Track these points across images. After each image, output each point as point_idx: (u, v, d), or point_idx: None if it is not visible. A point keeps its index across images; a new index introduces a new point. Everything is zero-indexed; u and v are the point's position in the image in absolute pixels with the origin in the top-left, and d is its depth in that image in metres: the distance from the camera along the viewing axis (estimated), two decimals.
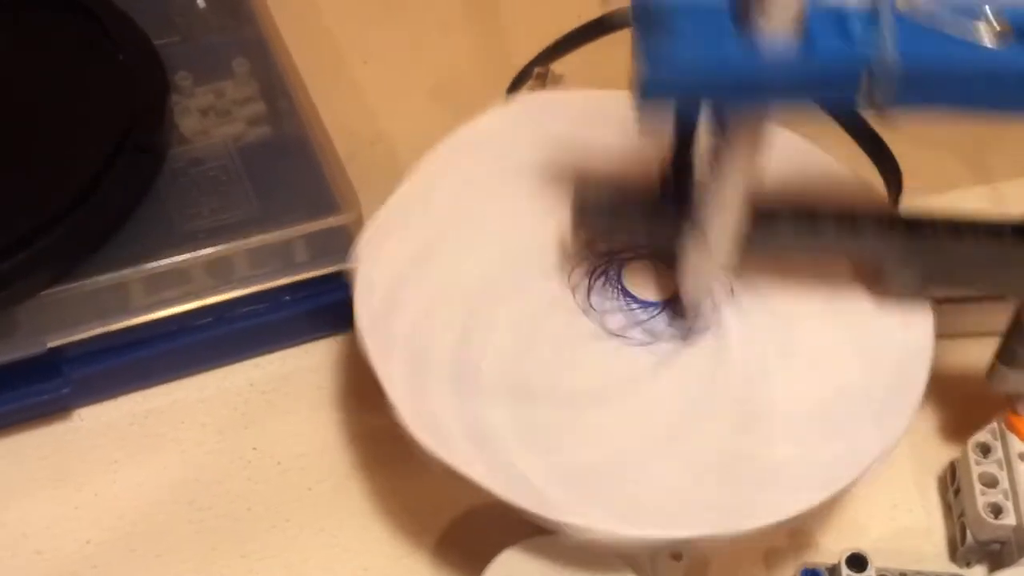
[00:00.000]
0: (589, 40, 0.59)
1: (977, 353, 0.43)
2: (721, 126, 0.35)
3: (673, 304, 0.41)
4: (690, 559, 0.39)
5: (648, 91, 0.32)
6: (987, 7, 0.32)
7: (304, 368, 0.47)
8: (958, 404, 0.46)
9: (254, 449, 0.45)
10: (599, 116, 0.45)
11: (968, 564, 0.43)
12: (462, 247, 0.43)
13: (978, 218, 0.40)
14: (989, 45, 0.32)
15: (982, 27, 0.32)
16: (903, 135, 0.51)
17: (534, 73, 0.56)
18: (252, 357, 0.48)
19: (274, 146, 0.49)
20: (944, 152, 0.55)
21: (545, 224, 0.43)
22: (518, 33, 0.58)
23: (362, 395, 0.46)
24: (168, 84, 0.49)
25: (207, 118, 0.49)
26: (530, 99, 0.50)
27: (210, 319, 0.46)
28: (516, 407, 0.39)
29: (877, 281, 0.41)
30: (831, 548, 0.42)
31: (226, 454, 0.45)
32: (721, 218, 0.37)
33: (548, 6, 0.60)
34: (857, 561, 0.40)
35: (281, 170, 0.48)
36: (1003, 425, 0.42)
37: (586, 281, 0.42)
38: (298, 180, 0.47)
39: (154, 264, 0.44)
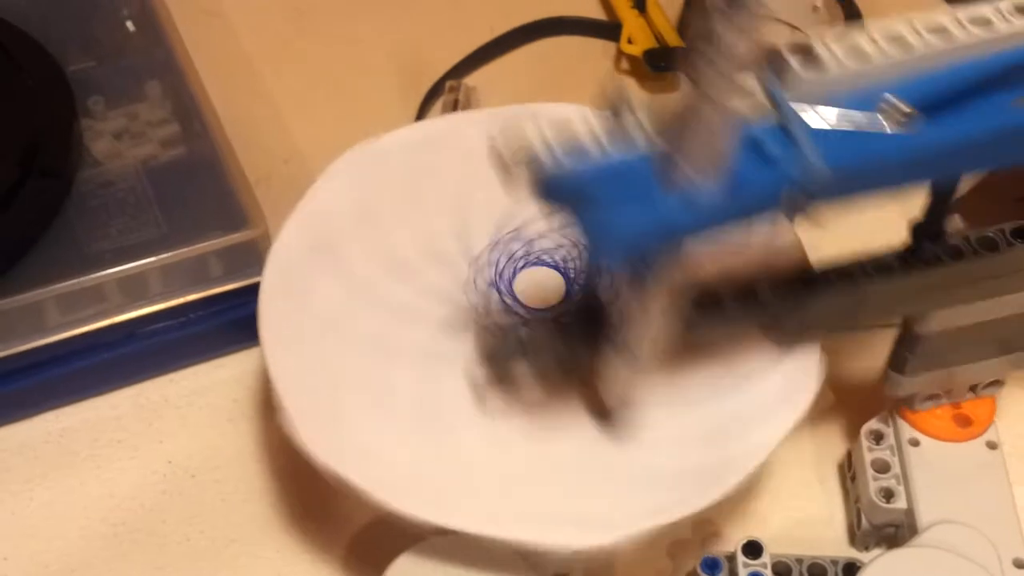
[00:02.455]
0: (501, 53, 0.61)
1: (873, 346, 0.44)
2: (641, 267, 0.35)
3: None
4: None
5: (597, 258, 0.33)
6: (888, 95, 0.32)
7: (219, 381, 0.48)
8: (857, 394, 0.47)
9: (169, 463, 0.46)
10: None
11: (867, 548, 0.44)
12: (365, 260, 0.44)
13: (866, 257, 0.40)
14: (899, 131, 0.32)
15: (886, 115, 0.32)
16: None
17: (447, 86, 0.57)
18: (167, 372, 0.48)
19: (186, 166, 0.50)
20: None
21: (444, 239, 0.44)
22: (431, 48, 0.59)
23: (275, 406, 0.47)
24: (75, 109, 0.49)
25: (120, 141, 0.50)
26: (438, 120, 0.51)
27: (124, 336, 0.47)
28: (397, 413, 0.40)
29: (773, 335, 0.41)
30: (735, 538, 0.43)
31: (140, 469, 0.46)
32: (646, 335, 0.37)
33: (460, 20, 0.61)
34: (753, 548, 0.40)
35: (191, 189, 0.49)
36: (895, 412, 0.44)
37: (481, 288, 0.43)
38: (207, 198, 0.48)
39: (66, 284, 0.45)
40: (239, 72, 0.59)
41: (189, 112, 0.51)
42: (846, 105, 0.32)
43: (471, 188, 0.45)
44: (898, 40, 0.33)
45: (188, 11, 0.59)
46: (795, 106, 0.32)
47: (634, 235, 0.31)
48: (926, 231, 0.39)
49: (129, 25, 0.55)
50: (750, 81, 0.32)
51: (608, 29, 0.60)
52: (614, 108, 0.33)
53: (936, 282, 0.39)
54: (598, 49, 0.60)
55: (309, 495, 0.45)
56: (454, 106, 0.55)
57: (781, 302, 0.39)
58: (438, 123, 0.50)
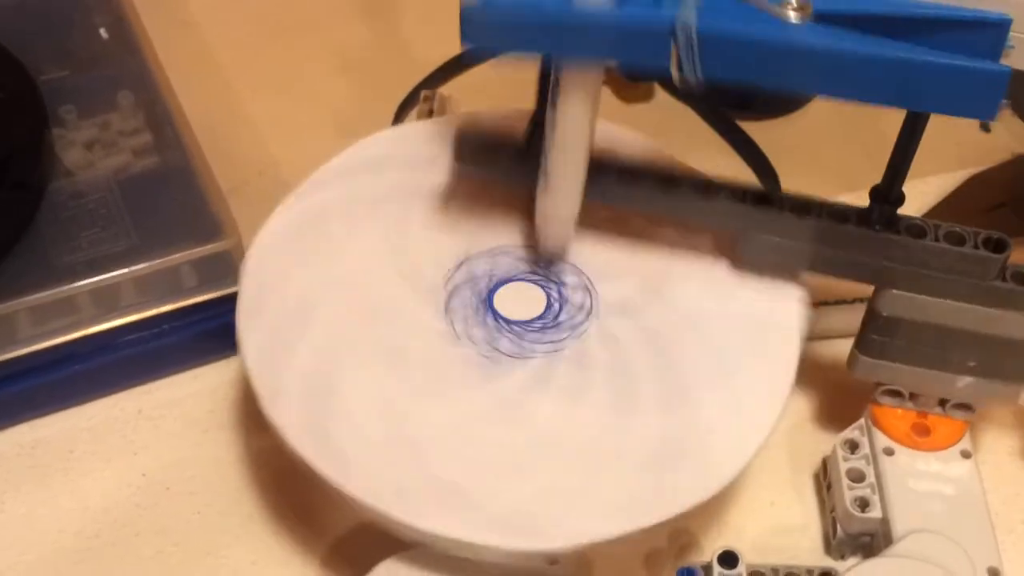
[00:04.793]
0: (476, 63, 0.60)
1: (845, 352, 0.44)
2: (556, 78, 0.37)
3: (542, 320, 0.42)
4: (568, 564, 0.40)
5: (468, 37, 0.35)
6: None
7: (193, 392, 0.48)
8: (834, 404, 0.48)
9: (143, 475, 0.46)
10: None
11: (842, 556, 0.44)
12: (340, 269, 0.44)
13: (827, 201, 0.41)
14: (793, 21, 0.34)
15: (786, 5, 0.34)
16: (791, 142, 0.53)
17: (421, 96, 0.57)
18: (141, 384, 0.48)
19: (159, 176, 0.49)
20: (824, 164, 0.57)
21: (420, 248, 0.44)
22: (405, 58, 0.59)
23: (251, 417, 0.47)
24: (47, 119, 0.49)
25: (92, 151, 0.50)
26: (413, 126, 0.51)
27: (98, 347, 0.47)
28: (387, 425, 0.40)
29: (734, 256, 0.43)
30: (711, 547, 0.43)
31: (114, 481, 0.45)
32: (561, 166, 0.39)
33: (435, 30, 0.61)
34: (728, 558, 0.40)
35: (164, 199, 0.48)
36: (869, 421, 0.44)
37: (459, 304, 0.43)
38: (180, 208, 0.48)
39: (37, 296, 0.45)
40: (212, 82, 0.59)
41: (162, 122, 0.51)
42: None
43: (442, 202, 0.45)
44: None
45: (161, 21, 0.58)
46: None
47: (505, 15, 0.35)
48: (883, 195, 0.40)
49: (103, 33, 0.55)
50: None
51: None
52: None
53: (889, 250, 0.40)
54: None
55: (285, 506, 0.45)
56: (429, 115, 0.55)
57: (737, 208, 0.41)
58: (418, 128, 0.50)
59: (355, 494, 0.37)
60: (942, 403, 0.44)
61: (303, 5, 0.63)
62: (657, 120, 0.58)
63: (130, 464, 0.46)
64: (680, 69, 0.34)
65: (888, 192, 0.40)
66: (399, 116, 0.57)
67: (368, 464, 0.38)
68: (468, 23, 0.35)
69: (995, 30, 0.34)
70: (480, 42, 0.36)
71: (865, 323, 0.42)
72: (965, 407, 0.44)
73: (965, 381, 0.42)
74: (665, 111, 0.59)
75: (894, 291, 0.41)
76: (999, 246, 0.39)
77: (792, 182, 0.50)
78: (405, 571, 0.39)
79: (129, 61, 0.54)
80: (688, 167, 0.46)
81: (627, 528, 0.37)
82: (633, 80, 0.58)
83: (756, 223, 0.41)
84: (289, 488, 0.45)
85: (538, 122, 0.41)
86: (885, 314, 0.41)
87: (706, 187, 0.41)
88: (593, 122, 0.39)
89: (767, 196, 0.41)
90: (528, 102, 0.53)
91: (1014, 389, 0.42)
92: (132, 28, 0.55)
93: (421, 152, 0.47)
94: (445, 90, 0.58)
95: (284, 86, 0.59)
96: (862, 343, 0.43)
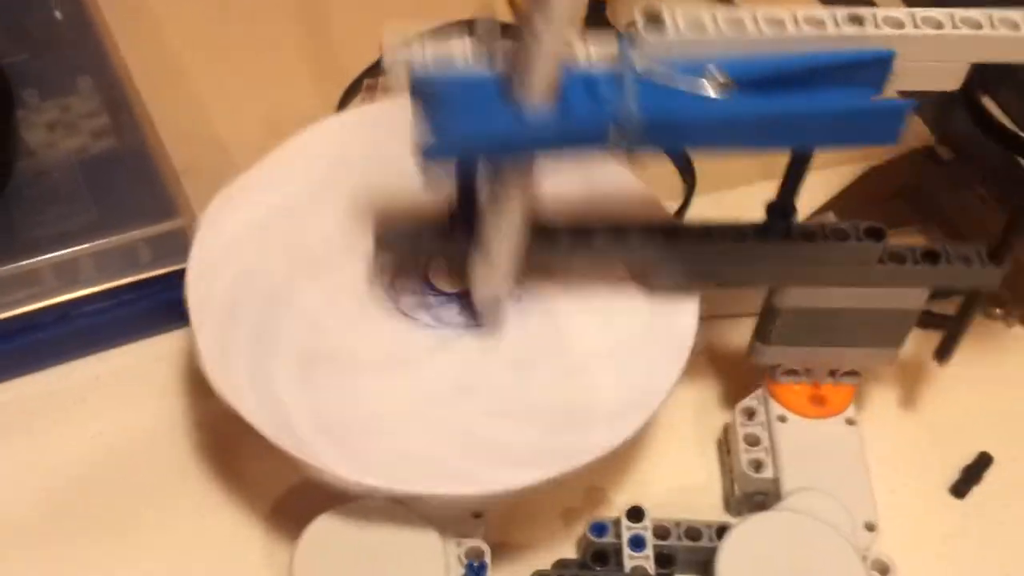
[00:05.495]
0: None
1: (749, 333, 0.48)
2: (496, 174, 0.40)
3: (463, 298, 0.46)
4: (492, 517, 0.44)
5: (429, 156, 0.37)
6: (711, 66, 0.37)
7: (148, 360, 0.52)
8: (734, 375, 0.52)
9: (99, 434, 0.49)
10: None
11: (739, 513, 0.48)
12: (282, 236, 0.48)
13: (727, 222, 0.45)
14: (715, 96, 0.37)
15: (708, 82, 0.37)
16: None
17: (364, 84, 0.61)
18: (99, 352, 0.52)
19: (116, 157, 0.53)
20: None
21: (361, 223, 0.48)
22: (350, 46, 0.62)
23: (201, 383, 0.50)
24: (13, 101, 0.52)
25: (54, 132, 0.53)
26: (361, 111, 0.55)
27: (59, 317, 0.50)
28: (304, 369, 0.44)
29: (646, 281, 0.47)
30: (623, 504, 0.48)
31: (73, 442, 0.49)
32: (501, 243, 0.42)
33: (379, 20, 0.64)
34: (635, 513, 0.45)
35: (122, 179, 0.52)
36: (766, 392, 0.48)
37: (392, 269, 0.47)
38: (137, 188, 0.51)
39: (2, 268, 0.48)
40: (167, 66, 0.62)
41: (119, 105, 0.54)
42: (677, 68, 0.37)
43: (385, 178, 0.49)
44: (736, 23, 0.38)
45: (117, 6, 0.61)
46: (635, 60, 0.37)
47: (464, 135, 0.37)
48: (778, 209, 0.44)
49: (58, 15, 0.58)
50: (607, 36, 0.38)
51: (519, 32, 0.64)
52: (481, 33, 0.38)
53: (786, 256, 0.44)
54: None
55: (231, 465, 0.49)
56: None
57: (647, 245, 0.44)
58: (364, 111, 0.54)
59: (293, 452, 0.41)
60: (832, 373, 0.48)
61: None
62: None
63: (88, 427, 0.49)
64: (620, 147, 0.38)
65: (783, 207, 0.44)
66: (344, 101, 0.60)
67: (306, 423, 0.42)
68: (426, 154, 0.37)
69: (881, 65, 0.39)
70: (440, 158, 0.39)
71: (763, 316, 0.47)
72: (852, 373, 0.48)
73: (852, 352, 0.47)
74: None
75: (790, 288, 0.45)
76: (879, 235, 0.44)
77: (713, 168, 0.54)
78: (341, 523, 0.43)
79: (87, 45, 0.57)
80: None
81: (539, 478, 0.41)
82: None
83: (665, 255, 0.45)
84: (237, 451, 0.49)
85: (462, 205, 0.44)
86: (782, 307, 0.45)
87: (616, 231, 0.45)
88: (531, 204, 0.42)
89: (674, 229, 0.45)
90: None
91: (893, 351, 0.47)
92: (89, 13, 0.59)
93: (361, 139, 0.51)
94: (387, 79, 0.61)
95: (236, 69, 0.62)
96: (761, 333, 0.47)
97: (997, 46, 0.39)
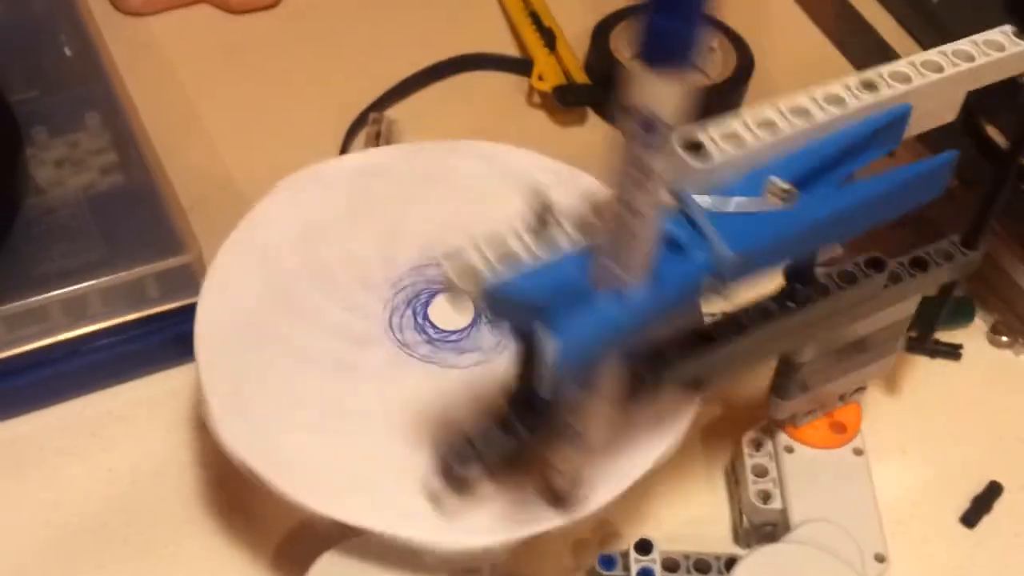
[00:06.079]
0: (421, 87, 0.65)
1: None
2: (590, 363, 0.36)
3: (468, 331, 0.47)
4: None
5: (562, 370, 0.34)
6: (770, 177, 0.36)
7: (157, 394, 0.52)
8: (742, 407, 0.52)
9: (110, 470, 0.49)
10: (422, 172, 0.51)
11: (748, 545, 0.48)
12: (297, 278, 0.48)
13: (749, 306, 0.43)
14: (786, 207, 0.36)
15: (773, 196, 0.36)
16: None
17: (370, 118, 0.61)
18: (109, 386, 0.52)
19: (124, 193, 0.53)
20: None
21: (372, 262, 0.48)
22: (355, 82, 0.63)
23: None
24: (22, 139, 0.53)
25: (62, 169, 0.54)
26: (377, 151, 0.55)
27: (68, 353, 0.50)
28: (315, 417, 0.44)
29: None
30: (631, 536, 0.48)
31: (84, 476, 0.49)
32: (599, 429, 0.39)
33: (383, 56, 0.65)
34: (644, 546, 0.45)
35: (129, 215, 0.52)
36: (773, 423, 0.48)
37: (399, 308, 0.47)
38: (145, 223, 0.52)
39: (12, 305, 0.49)
40: (174, 102, 0.62)
41: (126, 141, 0.55)
42: (737, 191, 0.36)
43: (403, 216, 0.49)
44: (767, 124, 0.38)
45: (124, 43, 0.62)
46: (696, 198, 0.35)
47: (584, 339, 0.34)
48: (798, 276, 0.42)
49: (67, 52, 0.59)
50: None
51: (521, 65, 0.65)
52: (539, 217, 0.35)
53: (810, 319, 0.43)
54: (512, 84, 0.65)
55: (240, 500, 0.49)
56: (376, 137, 0.59)
57: (683, 358, 0.41)
58: (376, 154, 0.54)
59: (289, 495, 0.41)
60: (841, 396, 0.49)
61: (260, 27, 0.67)
62: (590, 142, 0.62)
63: (99, 460, 0.50)
64: (715, 290, 0.36)
65: (803, 272, 0.42)
66: (349, 136, 0.61)
67: (302, 467, 0.42)
68: (559, 363, 0.33)
69: (900, 121, 0.39)
70: (571, 368, 0.35)
71: (779, 373, 0.46)
72: (859, 389, 0.49)
73: (858, 373, 0.47)
74: (597, 133, 0.63)
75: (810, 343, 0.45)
76: (880, 265, 0.44)
77: None
78: (345, 561, 0.43)
79: (95, 83, 0.57)
80: None
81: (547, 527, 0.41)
82: (567, 105, 0.62)
83: (708, 365, 0.42)
84: (244, 486, 0.49)
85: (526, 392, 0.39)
86: (802, 362, 0.45)
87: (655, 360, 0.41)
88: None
89: (707, 332, 0.42)
90: (468, 125, 0.57)
91: (891, 359, 0.48)
92: (97, 50, 0.59)
93: (367, 175, 0.51)
94: (392, 113, 0.62)
95: (241, 105, 0.63)
96: (780, 390, 0.46)
97: (990, 71, 0.40)
